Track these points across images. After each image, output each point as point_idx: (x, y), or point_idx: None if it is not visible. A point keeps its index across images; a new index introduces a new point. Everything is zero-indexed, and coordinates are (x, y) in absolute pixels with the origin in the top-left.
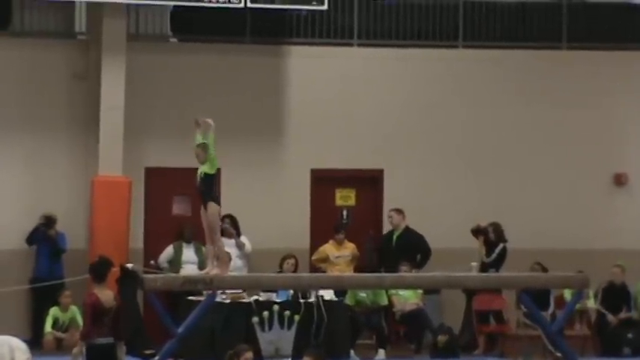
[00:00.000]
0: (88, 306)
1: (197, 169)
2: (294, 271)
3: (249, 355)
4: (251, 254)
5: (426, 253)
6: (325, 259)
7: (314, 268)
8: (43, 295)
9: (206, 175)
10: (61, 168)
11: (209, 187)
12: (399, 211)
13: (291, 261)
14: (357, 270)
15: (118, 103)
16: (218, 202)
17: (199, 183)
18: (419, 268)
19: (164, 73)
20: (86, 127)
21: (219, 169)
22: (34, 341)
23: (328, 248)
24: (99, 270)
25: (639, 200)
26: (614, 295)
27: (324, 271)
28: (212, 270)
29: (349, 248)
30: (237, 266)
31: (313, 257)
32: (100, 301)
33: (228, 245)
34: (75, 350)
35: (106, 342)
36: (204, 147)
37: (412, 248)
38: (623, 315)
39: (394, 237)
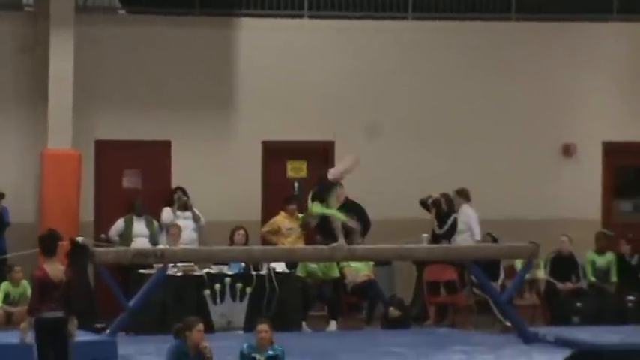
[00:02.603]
0: (35, 280)
1: (150, 142)
2: (245, 242)
3: (200, 326)
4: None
5: (366, 225)
6: (277, 231)
7: (265, 241)
8: None
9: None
10: (9, 141)
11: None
12: (341, 184)
13: (242, 232)
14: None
15: (66, 76)
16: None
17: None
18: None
19: (113, 45)
20: (35, 100)
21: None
22: None
23: (280, 220)
24: (48, 243)
25: (587, 171)
26: (562, 265)
27: (275, 244)
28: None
29: (300, 220)
30: (191, 239)
31: (264, 229)
32: (47, 275)
33: (184, 217)
34: (23, 324)
35: (55, 316)
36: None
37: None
38: (572, 284)
39: None
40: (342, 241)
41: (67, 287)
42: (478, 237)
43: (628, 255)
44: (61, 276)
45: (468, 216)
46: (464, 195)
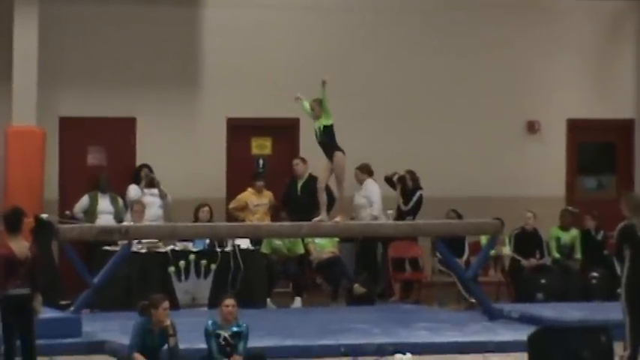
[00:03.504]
0: (0, 257)
1: (115, 119)
2: (210, 219)
3: (166, 304)
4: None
5: (330, 202)
6: (244, 207)
7: (230, 217)
8: None
9: (325, 127)
10: None
11: (332, 138)
12: (305, 160)
13: (206, 209)
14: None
15: (30, 53)
16: (343, 151)
17: (321, 136)
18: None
19: (78, 22)
20: None
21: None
22: None
23: (247, 196)
24: (12, 220)
25: (551, 147)
26: (526, 241)
27: (242, 220)
28: (337, 217)
29: (267, 196)
30: (157, 216)
31: (231, 205)
32: (13, 252)
33: (150, 194)
34: None
35: (21, 293)
36: (319, 102)
37: (316, 196)
38: (536, 261)
39: (298, 185)
40: (324, 215)
41: (33, 264)
42: (376, 212)
43: (594, 231)
44: (26, 253)
45: (370, 190)
46: (366, 170)
